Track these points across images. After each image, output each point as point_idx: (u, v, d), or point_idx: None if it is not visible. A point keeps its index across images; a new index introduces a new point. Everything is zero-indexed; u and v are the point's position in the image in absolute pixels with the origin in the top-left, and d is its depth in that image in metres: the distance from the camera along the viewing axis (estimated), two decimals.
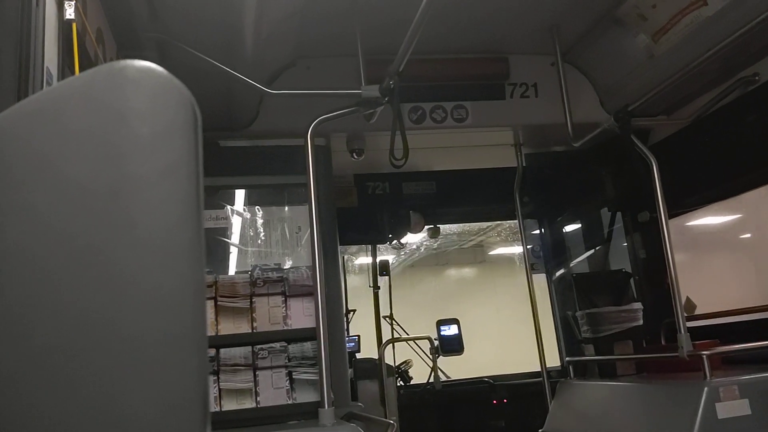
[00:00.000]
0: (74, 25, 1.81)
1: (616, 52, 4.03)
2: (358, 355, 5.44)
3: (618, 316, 4.10)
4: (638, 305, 4.19)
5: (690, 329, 3.37)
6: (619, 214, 5.04)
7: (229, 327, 3.29)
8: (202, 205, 0.71)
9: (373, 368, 4.69)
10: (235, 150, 3.95)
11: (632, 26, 3.82)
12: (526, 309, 4.64)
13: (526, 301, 4.59)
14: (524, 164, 4.77)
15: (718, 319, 4.02)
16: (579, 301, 4.37)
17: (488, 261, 13.56)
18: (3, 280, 0.68)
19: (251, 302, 3.36)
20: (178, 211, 0.68)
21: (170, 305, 0.66)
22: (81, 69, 1.84)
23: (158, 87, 0.72)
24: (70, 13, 1.78)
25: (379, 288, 5.85)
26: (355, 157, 4.21)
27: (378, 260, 5.88)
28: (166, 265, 0.67)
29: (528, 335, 4.64)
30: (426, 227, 5.56)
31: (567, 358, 4.56)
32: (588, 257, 5.35)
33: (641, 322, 4.14)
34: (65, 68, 1.82)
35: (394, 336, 5.87)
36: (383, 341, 5.30)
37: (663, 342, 4.23)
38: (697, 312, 4.26)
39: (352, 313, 5.61)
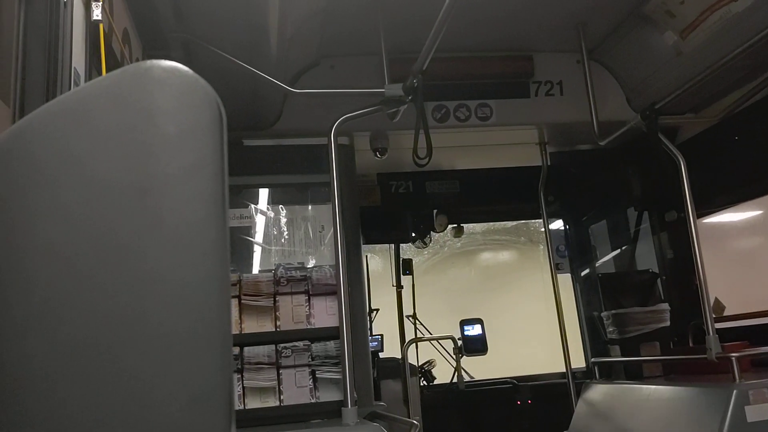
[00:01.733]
0: (101, 26, 1.83)
1: (643, 50, 3.98)
2: (381, 355, 5.43)
3: (645, 316, 4.05)
4: (665, 306, 4.14)
5: (719, 331, 3.32)
6: (645, 214, 4.98)
7: (252, 325, 3.31)
8: (227, 203, 0.72)
9: (396, 368, 4.68)
10: (258, 149, 3.97)
11: (660, 23, 3.77)
12: None
13: None
14: (549, 163, 4.73)
15: (747, 320, 3.95)
16: (605, 302, 4.33)
17: (535, 240, 10.62)
18: (33, 276, 0.69)
19: (275, 301, 3.37)
20: (204, 209, 0.69)
21: (195, 302, 0.66)
22: (108, 69, 1.86)
23: (184, 86, 0.73)
24: (97, 14, 1.80)
25: (402, 287, 5.84)
26: (379, 156, 4.20)
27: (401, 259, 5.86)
28: (192, 263, 0.67)
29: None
30: (450, 226, 5.54)
31: (592, 359, 4.51)
32: (614, 257, 5.30)
33: (668, 323, 4.09)
34: (92, 68, 1.84)
35: (418, 335, 5.85)
36: (406, 341, 5.29)
37: (691, 344, 4.17)
38: (726, 313, 4.19)
39: (375, 312, 5.61)
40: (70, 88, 1.54)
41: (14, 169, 0.72)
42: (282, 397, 3.22)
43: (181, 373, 0.64)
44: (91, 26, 1.79)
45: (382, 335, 5.58)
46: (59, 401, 0.65)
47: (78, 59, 1.65)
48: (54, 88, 1.47)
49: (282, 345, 3.27)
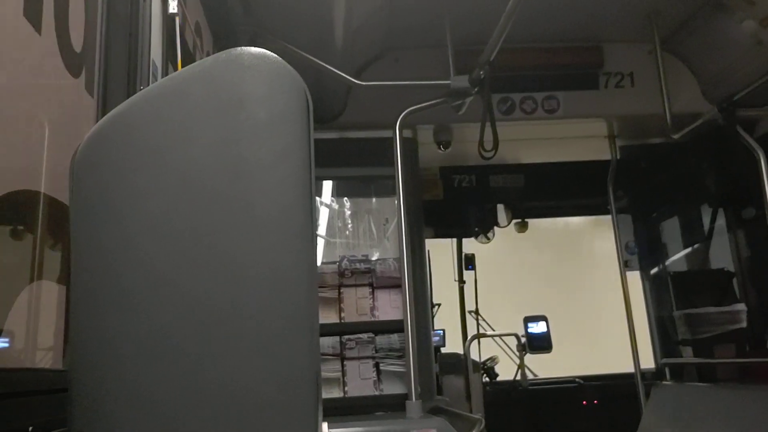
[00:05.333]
0: (177, 19, 1.86)
1: (720, 39, 3.83)
2: (443, 350, 5.40)
3: (719, 317, 3.90)
4: (741, 306, 3.97)
5: None
6: (720, 210, 4.79)
7: None
8: (313, 187, 0.73)
9: (459, 363, 4.64)
10: (323, 142, 3.99)
11: (737, 11, 3.61)
12: None
13: None
14: (618, 157, 4.60)
15: None
16: (676, 301, 4.18)
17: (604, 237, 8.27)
18: (129, 262, 0.71)
19: (339, 293, 3.39)
20: (293, 193, 0.70)
21: (286, 285, 0.68)
22: (182, 61, 1.89)
23: (273, 73, 0.74)
24: (173, 7, 1.83)
25: (464, 282, 5.79)
26: (442, 149, 4.17)
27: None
28: (282, 246, 0.68)
29: None
30: (513, 221, 5.46)
31: (663, 360, 4.38)
32: (686, 255, 5.11)
33: (745, 324, 3.92)
34: (168, 61, 1.87)
35: (480, 331, 5.79)
36: (468, 336, 5.24)
37: None
38: None
39: (437, 307, 5.57)
40: (149, 80, 1.57)
41: (113, 154, 0.74)
42: (346, 389, 3.24)
43: (272, 354, 0.66)
44: (168, 19, 1.83)
45: (444, 330, 5.55)
46: (154, 381, 0.66)
47: (156, 51, 1.69)
48: (134, 80, 1.51)
49: (346, 336, 3.29)
